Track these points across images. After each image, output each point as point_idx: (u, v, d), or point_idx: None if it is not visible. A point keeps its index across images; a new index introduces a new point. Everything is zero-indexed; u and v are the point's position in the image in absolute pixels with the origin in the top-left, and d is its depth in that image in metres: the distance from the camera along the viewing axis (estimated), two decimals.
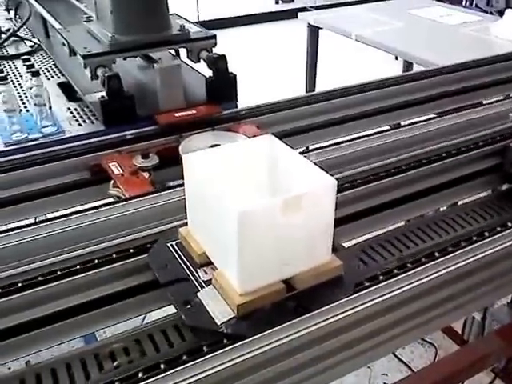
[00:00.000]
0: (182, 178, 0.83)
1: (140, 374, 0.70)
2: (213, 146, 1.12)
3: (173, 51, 1.44)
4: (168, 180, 1.13)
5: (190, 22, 1.42)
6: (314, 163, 0.79)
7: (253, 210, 0.71)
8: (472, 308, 0.97)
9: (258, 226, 0.73)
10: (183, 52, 1.39)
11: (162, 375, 0.69)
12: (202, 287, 0.80)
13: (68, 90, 1.50)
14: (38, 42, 1.86)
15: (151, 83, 1.38)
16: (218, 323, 0.75)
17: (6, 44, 1.87)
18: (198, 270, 0.82)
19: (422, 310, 0.83)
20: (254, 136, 1.12)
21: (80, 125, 1.31)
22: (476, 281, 0.87)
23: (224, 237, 0.76)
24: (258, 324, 0.75)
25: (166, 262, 0.84)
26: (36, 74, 1.25)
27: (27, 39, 1.92)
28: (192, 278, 0.81)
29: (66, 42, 1.37)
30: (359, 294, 0.80)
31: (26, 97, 1.45)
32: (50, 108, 1.28)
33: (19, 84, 1.57)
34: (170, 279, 0.81)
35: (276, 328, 0.74)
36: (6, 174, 1.11)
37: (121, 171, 1.10)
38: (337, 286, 0.81)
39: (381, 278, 0.84)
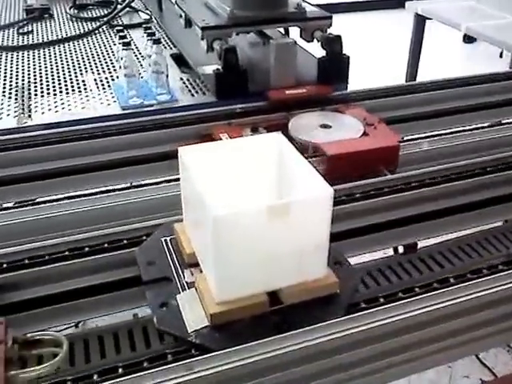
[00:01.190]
0: None
1: None
2: (322, 126, 1.13)
3: (282, 30, 1.46)
4: None
5: (305, 1, 1.40)
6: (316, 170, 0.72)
7: (230, 214, 0.66)
8: None
9: (238, 231, 0.67)
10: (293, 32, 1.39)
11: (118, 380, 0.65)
12: (184, 290, 0.75)
13: (179, 62, 1.53)
14: (151, 14, 1.95)
15: (263, 60, 1.41)
16: (189, 331, 0.70)
17: (120, 14, 1.97)
18: (185, 271, 0.78)
19: (419, 343, 0.74)
20: (365, 119, 1.15)
21: (192, 95, 1.34)
22: None
23: (205, 239, 0.70)
24: (231, 337, 0.69)
25: (155, 257, 0.80)
26: (157, 41, 1.27)
27: (141, 11, 2.01)
28: (176, 278, 0.77)
29: (183, 14, 1.40)
30: (353, 315, 0.72)
31: (141, 65, 1.49)
32: (167, 76, 1.32)
33: (138, 51, 1.61)
34: (153, 277, 0.77)
35: (250, 344, 0.68)
36: (121, 137, 1.15)
37: None
38: (329, 305, 0.73)
39: (381, 300, 0.75)
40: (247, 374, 0.67)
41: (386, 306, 0.74)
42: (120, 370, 0.67)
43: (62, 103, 1.33)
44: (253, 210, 0.67)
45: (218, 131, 1.14)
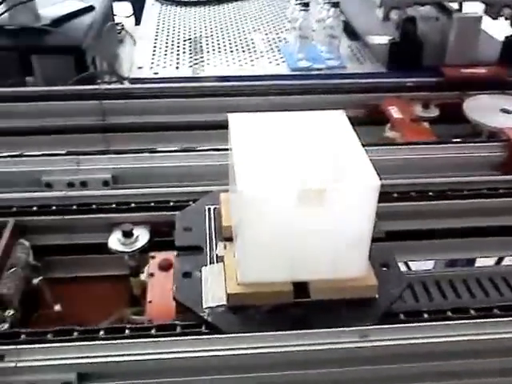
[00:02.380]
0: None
1: None
2: (502, 111, 1.07)
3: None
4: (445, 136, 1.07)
5: None
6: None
7: (258, 192, 0.60)
8: None
9: (266, 212, 0.61)
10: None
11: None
12: (212, 263, 0.71)
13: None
14: None
15: (439, 34, 1.33)
16: (204, 306, 0.66)
17: None
18: (219, 244, 0.74)
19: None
20: None
21: (361, 63, 1.34)
22: None
23: (236, 213, 0.66)
24: (245, 322, 0.64)
25: (193, 224, 0.77)
26: (335, 5, 1.28)
27: None
28: (208, 249, 0.73)
29: None
30: (384, 326, 0.64)
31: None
32: (339, 41, 1.32)
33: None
34: (185, 244, 0.74)
35: (263, 333, 0.63)
36: (289, 97, 1.16)
37: (401, 116, 1.09)
38: (360, 309, 0.66)
39: (425, 316, 0.66)
40: (252, 365, 0.62)
41: (429, 324, 0.65)
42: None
43: (233, 58, 1.37)
44: (283, 191, 0.60)
45: (386, 103, 1.12)
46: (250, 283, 0.66)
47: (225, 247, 0.73)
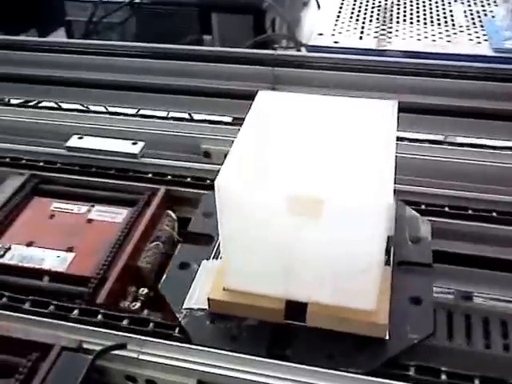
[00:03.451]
0: None
1: None
2: None
3: None
4: None
5: None
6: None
7: (237, 189, 0.50)
8: None
9: (246, 213, 0.51)
10: None
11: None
12: (216, 257, 0.63)
13: None
14: None
15: None
16: (184, 306, 0.58)
17: None
18: None
19: None
20: None
21: None
22: None
23: None
24: (218, 335, 0.56)
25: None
26: None
27: None
28: (216, 241, 0.65)
29: None
30: (378, 380, 0.51)
31: None
32: None
33: None
34: (197, 231, 0.66)
35: (231, 353, 0.54)
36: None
37: None
38: (360, 350, 0.53)
39: (443, 378, 0.52)
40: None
41: None
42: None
43: (425, 32, 1.19)
44: (267, 194, 0.49)
45: None
46: (237, 291, 0.57)
47: None
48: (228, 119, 0.97)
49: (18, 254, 0.67)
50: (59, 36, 1.60)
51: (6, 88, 1.08)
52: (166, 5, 1.29)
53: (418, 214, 0.68)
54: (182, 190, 0.77)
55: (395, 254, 0.62)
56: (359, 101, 0.60)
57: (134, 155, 0.83)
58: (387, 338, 0.54)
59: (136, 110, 1.02)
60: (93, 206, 0.74)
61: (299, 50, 1.19)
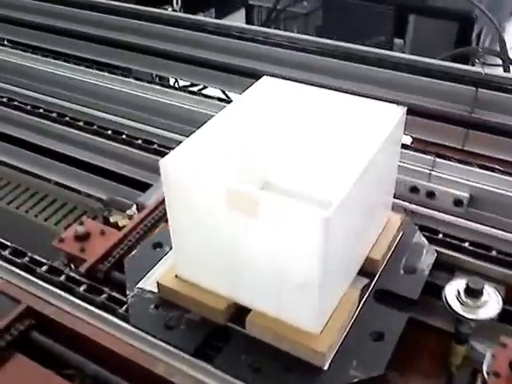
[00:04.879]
0: None
1: None
2: None
3: None
4: None
5: None
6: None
7: (184, 171, 0.47)
8: None
9: (188, 200, 0.48)
10: None
11: None
12: None
13: None
14: None
15: None
16: (137, 285, 0.56)
17: None
18: None
19: None
20: None
21: None
22: None
23: None
24: (154, 322, 0.53)
25: None
26: None
27: None
28: None
29: None
30: None
31: None
32: None
33: None
34: None
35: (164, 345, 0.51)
36: None
37: None
38: (289, 372, 0.48)
39: None
40: None
41: None
42: None
43: None
44: (209, 184, 0.46)
45: None
46: (187, 281, 0.53)
47: None
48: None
49: None
50: (236, 19, 1.62)
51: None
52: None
53: (426, 242, 0.59)
54: None
55: (378, 281, 0.55)
56: (368, 101, 0.53)
57: None
58: (325, 368, 0.48)
59: None
60: None
61: (507, 70, 1.04)
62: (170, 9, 1.42)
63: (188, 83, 1.15)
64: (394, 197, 0.60)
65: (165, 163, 0.47)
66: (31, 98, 1.01)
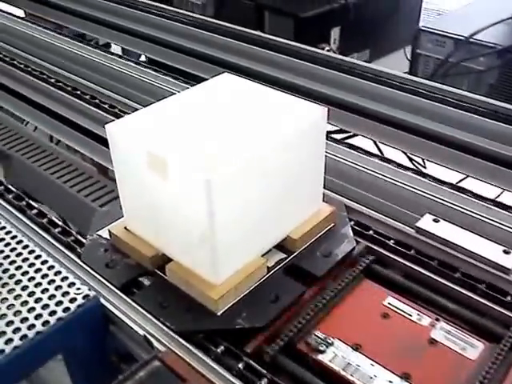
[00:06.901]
0: None
1: None
2: None
3: None
4: None
5: None
6: None
7: (117, 134, 0.59)
8: None
9: (126, 160, 0.60)
10: None
11: None
12: None
13: None
14: None
15: None
16: (95, 231, 0.68)
17: None
18: None
19: None
20: None
21: None
22: None
23: None
24: (96, 261, 0.64)
25: None
26: None
27: None
28: None
29: None
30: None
31: None
32: None
33: None
34: None
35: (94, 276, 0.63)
36: None
37: None
38: (188, 312, 0.58)
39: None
40: None
41: None
42: None
43: None
44: (135, 146, 0.57)
45: None
46: (132, 232, 0.64)
47: None
48: None
49: (342, 357, 0.54)
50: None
51: None
52: None
53: (351, 234, 0.67)
54: None
55: (294, 258, 0.63)
56: (296, 100, 0.64)
57: (507, 270, 0.63)
58: (218, 314, 0.56)
59: None
60: (437, 319, 0.58)
61: None
62: (327, 48, 1.39)
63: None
64: None
65: (108, 128, 0.59)
66: None
